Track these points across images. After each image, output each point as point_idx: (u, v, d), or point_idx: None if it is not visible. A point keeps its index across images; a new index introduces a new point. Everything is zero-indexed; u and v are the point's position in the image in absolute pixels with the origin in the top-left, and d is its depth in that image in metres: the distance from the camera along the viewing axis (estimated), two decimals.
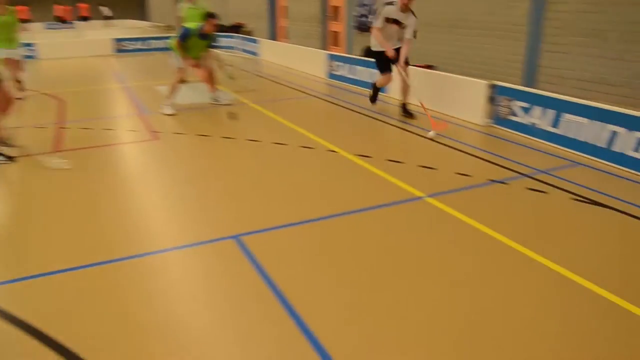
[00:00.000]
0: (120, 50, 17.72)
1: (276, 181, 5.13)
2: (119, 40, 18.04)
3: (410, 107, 7.65)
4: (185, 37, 7.81)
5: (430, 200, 4.50)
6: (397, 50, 7.29)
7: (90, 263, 3.58)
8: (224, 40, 18.18)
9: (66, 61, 15.71)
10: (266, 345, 2.71)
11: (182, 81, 8.27)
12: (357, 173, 5.25)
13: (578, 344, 2.68)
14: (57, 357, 2.63)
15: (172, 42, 8.08)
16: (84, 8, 33.03)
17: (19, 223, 4.37)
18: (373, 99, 8.16)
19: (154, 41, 18.02)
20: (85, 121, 7.78)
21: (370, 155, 5.69)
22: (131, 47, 17.92)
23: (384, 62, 7.54)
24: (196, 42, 7.91)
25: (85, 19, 32.79)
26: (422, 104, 7.02)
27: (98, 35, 22.84)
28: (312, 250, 3.73)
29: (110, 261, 3.61)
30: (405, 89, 7.53)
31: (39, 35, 21.48)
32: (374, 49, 7.60)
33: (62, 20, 31.57)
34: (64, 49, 17.04)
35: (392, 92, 9.00)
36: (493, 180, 4.96)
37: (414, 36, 7.29)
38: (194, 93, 9.39)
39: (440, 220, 4.17)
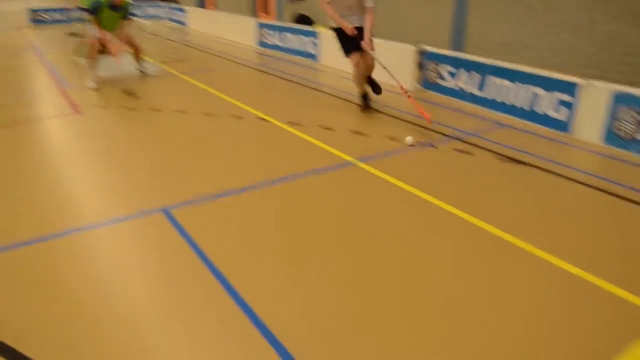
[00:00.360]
0: (36, 21, 16.65)
1: (206, 151, 5.00)
2: (35, 10, 16.93)
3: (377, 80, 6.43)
4: (95, 10, 7.42)
5: (362, 165, 4.53)
6: (361, 30, 5.94)
7: (16, 243, 3.38)
8: (149, 9, 17.44)
9: None
10: (207, 320, 2.66)
11: (100, 52, 7.87)
12: (288, 141, 5.20)
13: (486, 289, 2.80)
14: None
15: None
16: None
17: None
18: (365, 105, 6.30)
19: (73, 12, 17.02)
20: (0, 98, 7.31)
21: (301, 123, 5.64)
22: (49, 17, 16.88)
23: (346, 41, 6.03)
24: (109, 14, 7.53)
25: None
26: (403, 89, 5.96)
27: (11, 6, 21.32)
28: (244, 220, 3.67)
29: (38, 240, 3.42)
30: (370, 68, 6.13)
31: None
32: (333, 25, 6.14)
33: None
34: None
35: (325, 59, 8.95)
36: (422, 144, 5.05)
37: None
38: (118, 65, 8.97)
39: (372, 183, 4.20)
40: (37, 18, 16.69)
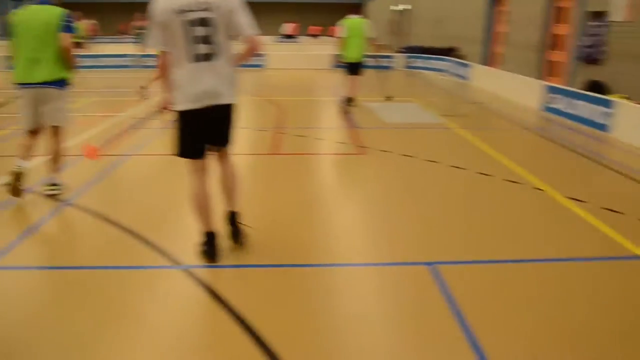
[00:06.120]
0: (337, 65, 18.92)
1: (475, 212, 4.99)
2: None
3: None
4: None
5: None
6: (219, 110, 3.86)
7: (278, 264, 3.92)
8: (435, 62, 18.27)
9: (290, 72, 17.26)
10: None
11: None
12: (565, 217, 4.85)
13: None
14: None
15: None
16: (313, 29, 36.39)
17: None
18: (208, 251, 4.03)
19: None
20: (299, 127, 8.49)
21: (581, 199, 5.21)
22: None
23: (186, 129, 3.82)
24: None
25: (315, 35, 35.87)
26: None
27: (318, 50, 24.65)
28: (510, 292, 3.55)
29: (298, 265, 3.90)
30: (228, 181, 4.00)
31: (269, 47, 23.93)
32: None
33: (289, 35, 34.73)
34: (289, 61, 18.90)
35: (618, 132, 8.12)
36: None
37: None
38: (410, 112, 9.65)
39: None
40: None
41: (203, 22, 3.41)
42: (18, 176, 4.86)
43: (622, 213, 4.90)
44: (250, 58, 3.83)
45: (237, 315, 3.16)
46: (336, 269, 3.87)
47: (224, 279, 3.69)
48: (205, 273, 3.71)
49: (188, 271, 3.71)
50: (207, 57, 3.48)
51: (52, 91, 4.92)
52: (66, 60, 4.93)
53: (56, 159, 5.17)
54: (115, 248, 4.16)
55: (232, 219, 3.95)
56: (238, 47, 3.69)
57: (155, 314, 3.27)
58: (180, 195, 5.24)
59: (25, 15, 4.83)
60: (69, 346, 2.92)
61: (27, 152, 5.05)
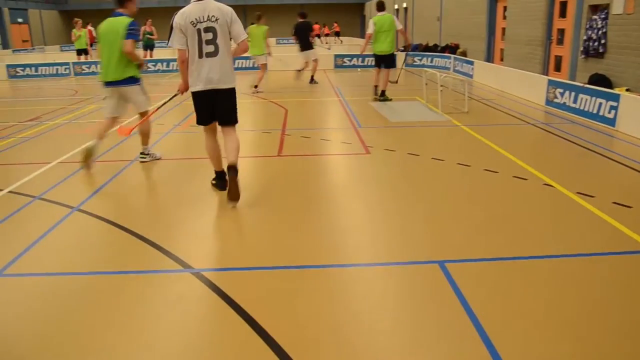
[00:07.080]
0: (339, 66, 18.91)
1: (482, 210, 4.97)
2: (339, 56, 19.30)
3: None
4: None
5: None
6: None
7: (286, 265, 3.89)
8: (437, 60, 18.22)
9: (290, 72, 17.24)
10: None
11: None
12: (575, 213, 4.83)
13: None
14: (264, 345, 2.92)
15: None
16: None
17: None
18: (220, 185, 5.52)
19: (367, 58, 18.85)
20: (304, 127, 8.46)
21: (593, 195, 5.18)
22: (349, 63, 19.04)
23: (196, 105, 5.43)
24: None
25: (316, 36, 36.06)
26: None
27: (321, 51, 24.65)
28: (520, 288, 3.53)
29: (306, 267, 3.89)
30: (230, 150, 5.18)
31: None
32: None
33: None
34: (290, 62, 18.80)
35: (624, 125, 8.08)
36: None
37: None
38: (414, 110, 9.60)
39: None
40: (340, 63, 18.96)
41: (210, 29, 4.82)
42: (90, 151, 6.00)
43: (631, 207, 4.88)
44: (240, 54, 5.30)
45: (248, 317, 3.17)
46: (345, 269, 3.86)
47: (234, 281, 3.69)
48: (215, 275, 3.71)
49: (198, 274, 3.72)
50: (211, 54, 4.89)
51: (125, 88, 6.18)
52: (130, 61, 6.08)
53: (145, 135, 6.58)
54: (125, 253, 4.18)
55: (231, 170, 4.95)
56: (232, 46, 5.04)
57: (168, 316, 3.27)
58: (187, 199, 5.28)
59: (104, 26, 6.06)
60: (87, 349, 2.93)
61: (103, 133, 6.25)
